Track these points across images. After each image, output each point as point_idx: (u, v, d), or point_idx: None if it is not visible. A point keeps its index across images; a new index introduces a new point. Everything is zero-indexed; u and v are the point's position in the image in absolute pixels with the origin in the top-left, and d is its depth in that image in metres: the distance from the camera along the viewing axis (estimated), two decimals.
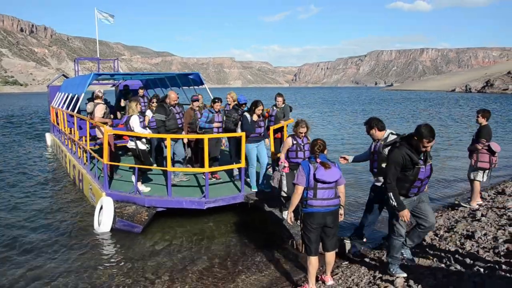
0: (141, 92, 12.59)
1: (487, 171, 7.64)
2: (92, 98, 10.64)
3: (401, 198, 4.64)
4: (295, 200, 4.77)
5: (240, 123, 7.93)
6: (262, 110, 7.82)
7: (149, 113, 9.60)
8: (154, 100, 10.02)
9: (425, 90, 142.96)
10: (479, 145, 7.53)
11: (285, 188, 6.53)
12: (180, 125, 8.97)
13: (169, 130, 8.74)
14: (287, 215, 4.96)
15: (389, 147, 4.86)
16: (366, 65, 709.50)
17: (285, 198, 6.73)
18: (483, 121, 7.66)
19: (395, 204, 4.56)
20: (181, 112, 9.28)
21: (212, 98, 8.71)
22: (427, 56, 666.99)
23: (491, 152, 7.50)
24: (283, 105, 9.04)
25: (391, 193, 4.56)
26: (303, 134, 6.54)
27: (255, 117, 7.66)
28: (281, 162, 6.50)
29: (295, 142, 6.56)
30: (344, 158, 6.17)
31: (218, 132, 8.44)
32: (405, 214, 4.60)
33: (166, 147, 8.55)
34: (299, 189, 4.72)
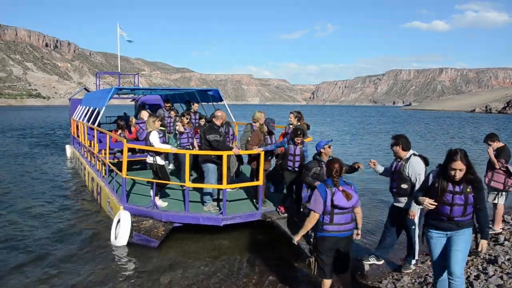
0: (195, 106, 11.75)
1: (502, 193, 7.34)
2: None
3: None
4: (309, 225, 4.54)
5: None
6: None
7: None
8: (187, 116, 9.99)
9: (444, 110, 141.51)
10: (498, 164, 7.20)
11: None
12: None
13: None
14: (295, 237, 4.72)
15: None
16: (384, 84, 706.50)
17: None
18: (497, 145, 7.43)
19: None
20: (227, 132, 8.59)
21: (295, 128, 7.24)
22: (446, 76, 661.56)
23: (508, 174, 7.17)
24: (298, 123, 8.97)
25: None
26: None
27: None
28: None
29: None
30: (374, 163, 5.93)
31: (293, 165, 7.17)
32: None
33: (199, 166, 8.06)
34: (315, 216, 4.48)
